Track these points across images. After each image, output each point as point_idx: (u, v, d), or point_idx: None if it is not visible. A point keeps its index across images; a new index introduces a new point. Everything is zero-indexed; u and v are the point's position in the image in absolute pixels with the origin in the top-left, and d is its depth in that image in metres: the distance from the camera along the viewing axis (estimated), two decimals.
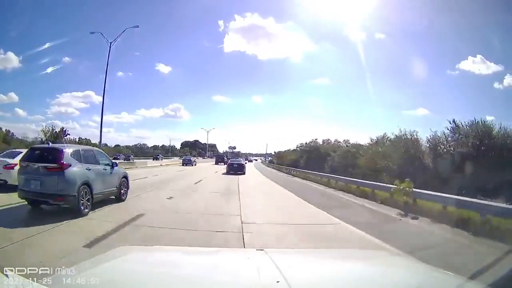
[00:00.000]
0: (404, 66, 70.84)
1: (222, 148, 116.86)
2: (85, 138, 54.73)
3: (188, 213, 7.97)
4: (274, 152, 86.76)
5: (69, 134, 47.65)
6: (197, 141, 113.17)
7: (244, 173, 25.81)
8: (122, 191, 9.16)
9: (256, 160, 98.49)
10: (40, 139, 41.61)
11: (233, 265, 1.79)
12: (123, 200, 9.05)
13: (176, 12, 75.19)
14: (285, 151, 69.00)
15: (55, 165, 6.85)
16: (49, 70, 67.80)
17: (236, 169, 25.74)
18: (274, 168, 47.79)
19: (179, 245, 4.47)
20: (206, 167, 37.81)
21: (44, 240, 4.93)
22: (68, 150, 7.33)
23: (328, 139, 43.53)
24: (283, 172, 35.00)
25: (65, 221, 6.12)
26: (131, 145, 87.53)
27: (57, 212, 6.80)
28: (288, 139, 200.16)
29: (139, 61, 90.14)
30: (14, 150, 12.53)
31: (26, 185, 6.94)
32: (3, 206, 7.37)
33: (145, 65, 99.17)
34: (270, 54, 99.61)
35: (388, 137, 24.37)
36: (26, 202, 7.20)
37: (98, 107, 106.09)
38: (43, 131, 43.77)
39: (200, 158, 76.17)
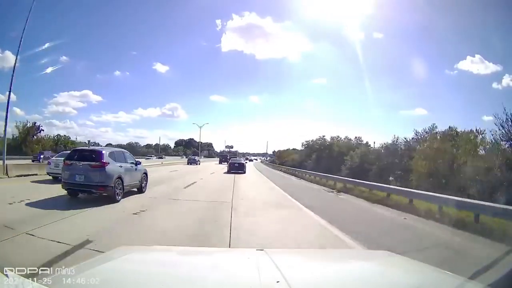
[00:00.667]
0: (402, 66, 70.43)
1: (218, 147, 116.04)
2: (64, 135, 54.72)
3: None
4: (274, 152, 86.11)
5: (43, 130, 47.05)
6: (192, 139, 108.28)
7: (244, 172, 26.72)
8: (143, 184, 11.00)
9: (256, 159, 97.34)
10: (12, 135, 41.80)
11: (233, 265, 1.79)
12: (143, 192, 10.84)
13: (173, 11, 75.17)
14: (285, 150, 68.65)
15: (98, 163, 8.68)
16: (49, 70, 68.14)
17: (237, 168, 26.87)
18: (283, 171, 35.46)
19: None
20: (201, 170, 29.83)
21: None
22: (106, 152, 9.19)
23: (338, 136, 38.39)
24: (307, 181, 21.40)
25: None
26: (124, 144, 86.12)
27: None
28: (287, 139, 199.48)
29: (136, 60, 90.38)
30: (66, 151, 15.63)
31: (71, 179, 8.63)
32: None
33: (143, 65, 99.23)
34: (268, 53, 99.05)
35: (441, 131, 18.16)
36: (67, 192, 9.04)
37: (95, 107, 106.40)
38: (17, 127, 43.76)
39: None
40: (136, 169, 10.51)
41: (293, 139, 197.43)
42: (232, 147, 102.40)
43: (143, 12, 73.93)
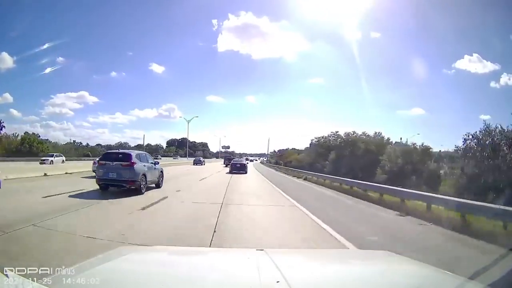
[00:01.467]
0: (399, 66, 68.73)
1: (214, 147, 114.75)
2: (33, 133, 54.00)
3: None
4: (274, 151, 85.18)
5: (4, 127, 45.95)
6: (185, 139, 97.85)
7: (246, 172, 26.88)
8: (160, 180, 12.97)
9: (256, 160, 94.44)
10: None
11: (233, 265, 1.78)
12: (160, 187, 12.77)
13: (169, 11, 74.50)
14: (285, 149, 68.05)
15: (128, 162, 10.58)
16: (47, 71, 67.98)
17: (239, 168, 27.29)
18: (312, 181, 20.23)
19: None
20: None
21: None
22: (133, 154, 11.22)
23: (354, 132, 32.07)
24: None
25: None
26: (113, 144, 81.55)
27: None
28: (285, 139, 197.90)
29: (132, 61, 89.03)
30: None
31: (104, 175, 10.62)
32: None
33: (139, 65, 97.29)
34: (264, 53, 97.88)
35: None
36: (99, 187, 10.90)
37: (92, 108, 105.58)
38: None
39: (185, 159, 66.76)
40: (155, 168, 12.40)
41: (292, 139, 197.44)
42: (228, 147, 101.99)
43: (139, 13, 73.45)
